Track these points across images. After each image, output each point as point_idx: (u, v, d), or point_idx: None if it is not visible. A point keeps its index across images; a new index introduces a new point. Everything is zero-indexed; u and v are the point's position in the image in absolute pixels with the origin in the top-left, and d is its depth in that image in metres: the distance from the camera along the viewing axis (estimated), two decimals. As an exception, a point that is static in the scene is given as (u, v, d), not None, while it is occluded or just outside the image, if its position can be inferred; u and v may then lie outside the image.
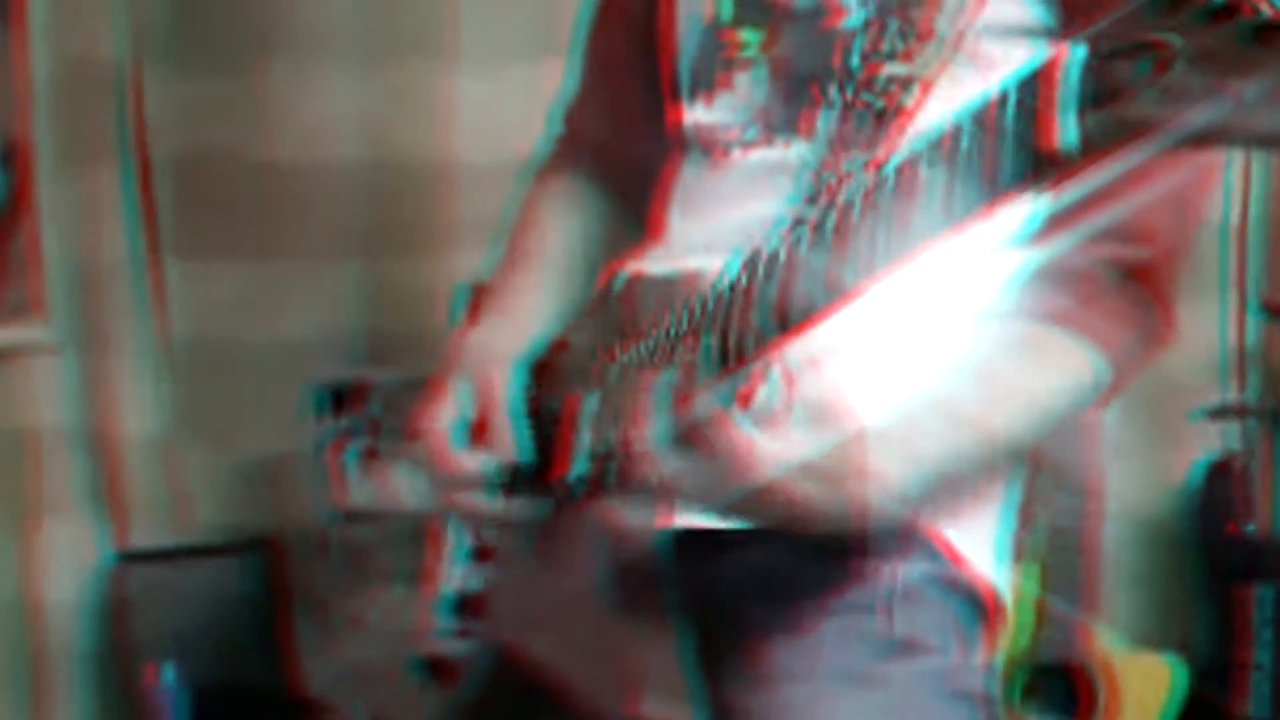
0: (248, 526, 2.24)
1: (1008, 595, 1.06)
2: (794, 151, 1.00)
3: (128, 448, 2.21)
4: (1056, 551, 2.21)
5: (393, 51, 2.21)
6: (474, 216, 2.02)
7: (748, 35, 1.04)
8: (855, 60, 0.97)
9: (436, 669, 1.16)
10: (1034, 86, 0.62)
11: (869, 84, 0.96)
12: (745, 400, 0.84)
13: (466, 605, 1.16)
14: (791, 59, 1.02)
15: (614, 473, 0.97)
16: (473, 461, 1.10)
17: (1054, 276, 0.92)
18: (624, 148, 1.22)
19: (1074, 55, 0.60)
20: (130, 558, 2.21)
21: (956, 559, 1.02)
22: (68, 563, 2.21)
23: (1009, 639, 2.19)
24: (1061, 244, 0.86)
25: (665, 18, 1.13)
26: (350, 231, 2.24)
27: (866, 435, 0.85)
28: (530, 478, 1.09)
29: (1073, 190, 0.64)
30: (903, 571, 1.01)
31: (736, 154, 1.05)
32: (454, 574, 1.16)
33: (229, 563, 2.20)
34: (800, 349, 0.82)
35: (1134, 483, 2.50)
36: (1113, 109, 0.57)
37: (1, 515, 2.18)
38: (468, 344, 1.17)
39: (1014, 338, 0.93)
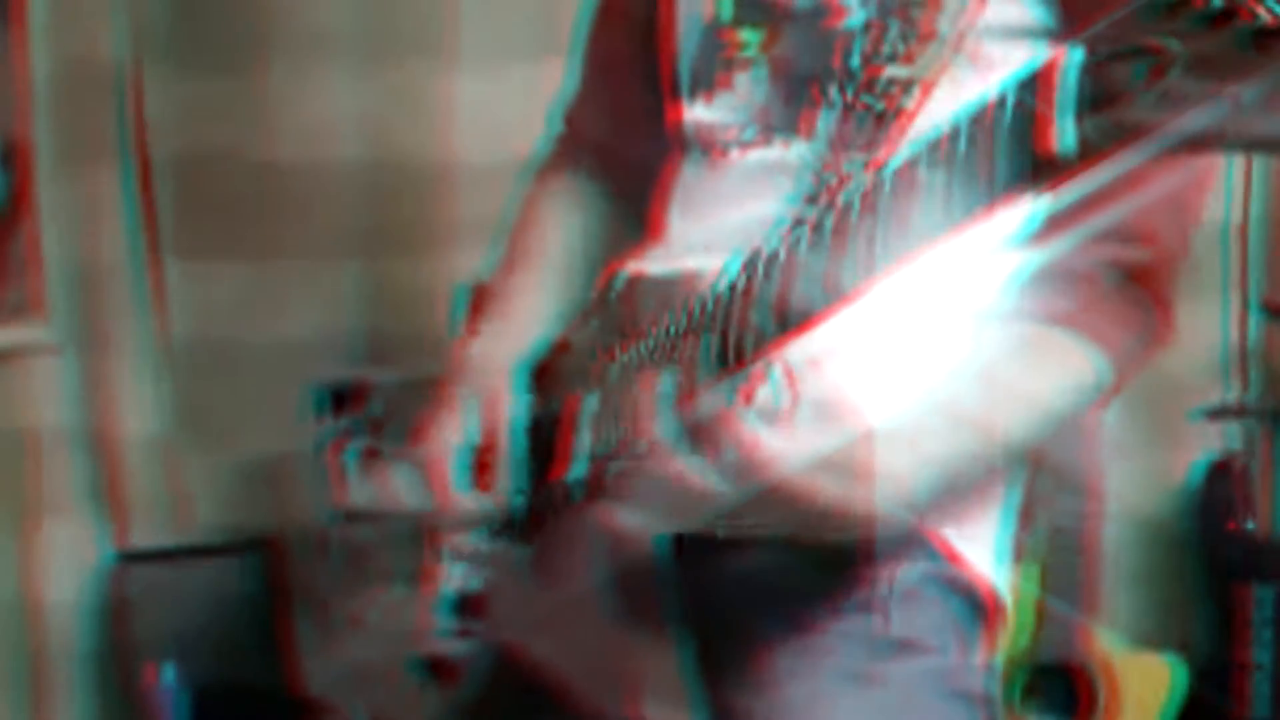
0: (248, 526, 2.24)
1: (1008, 595, 1.06)
2: (794, 152, 1.00)
3: (128, 448, 2.21)
4: (1057, 552, 2.21)
5: (393, 51, 2.21)
6: (474, 216, 2.02)
7: (748, 35, 1.04)
8: (856, 61, 0.97)
9: (436, 669, 1.16)
10: (1032, 89, 0.62)
11: (869, 85, 0.96)
12: (747, 400, 0.84)
13: (466, 605, 1.16)
14: (792, 59, 1.02)
15: (614, 474, 0.97)
16: (469, 500, 1.10)
17: (1054, 278, 0.92)
18: (624, 147, 1.22)
19: (1072, 58, 0.60)
20: (130, 558, 2.20)
21: (956, 559, 1.02)
22: (68, 563, 2.21)
23: (1009, 639, 2.19)
24: (1061, 245, 0.86)
25: (665, 17, 1.13)
26: (350, 231, 2.24)
27: (872, 435, 0.85)
28: (520, 518, 1.10)
29: (1072, 192, 0.64)
30: (902, 571, 1.01)
31: (736, 154, 1.05)
32: (454, 574, 1.16)
33: (229, 563, 2.20)
34: (800, 349, 0.82)
35: (1134, 483, 2.50)
36: (1110, 112, 0.57)
37: (1, 515, 2.18)
38: (472, 352, 1.17)
39: (1014, 339, 0.93)
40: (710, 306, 0.87)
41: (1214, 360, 2.59)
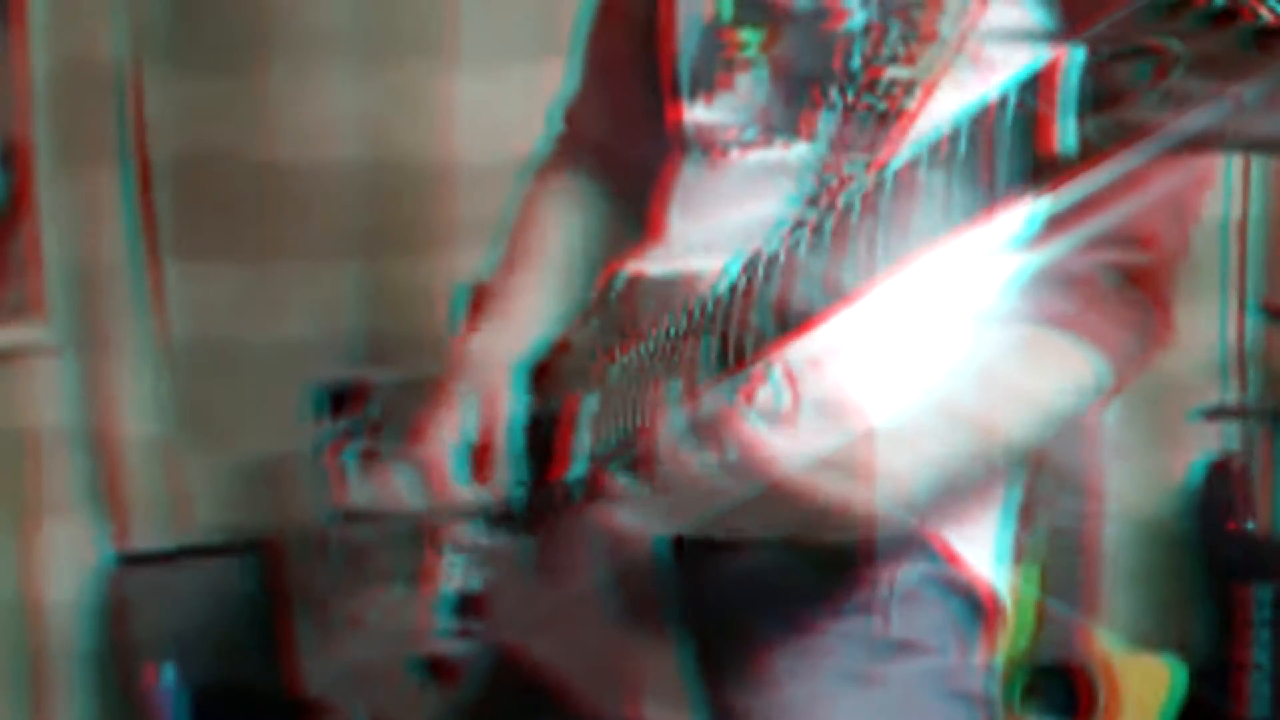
0: (247, 527, 2.24)
1: (1007, 596, 1.06)
2: (794, 153, 1.00)
3: (128, 448, 2.21)
4: (1056, 552, 2.21)
5: (393, 51, 2.21)
6: (474, 216, 2.02)
7: (748, 36, 1.04)
8: (856, 62, 0.97)
9: (436, 669, 1.16)
10: (1034, 89, 0.62)
11: (870, 86, 0.96)
12: (747, 400, 0.84)
13: (466, 606, 1.16)
14: (792, 60, 1.02)
15: (614, 475, 0.97)
16: (468, 494, 1.10)
17: (1053, 280, 0.92)
18: (624, 147, 1.22)
19: (1074, 58, 0.60)
20: (130, 558, 2.20)
21: (956, 560, 1.03)
22: (68, 563, 2.21)
23: (1009, 640, 2.19)
24: (1061, 247, 0.86)
25: (665, 18, 1.13)
26: (350, 231, 2.23)
27: (872, 436, 0.85)
28: (521, 510, 1.10)
29: (1072, 193, 0.64)
30: (902, 572, 1.01)
31: (736, 155, 1.05)
32: (454, 574, 1.16)
33: (229, 563, 2.20)
34: (801, 350, 0.82)
35: (1133, 483, 2.50)
36: (1112, 113, 0.57)
37: (1, 515, 2.18)
38: (471, 349, 1.17)
39: (1014, 341, 0.93)
40: (711, 307, 0.87)
41: (1213, 360, 2.59)
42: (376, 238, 2.24)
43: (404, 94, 2.21)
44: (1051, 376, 0.95)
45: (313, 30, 2.18)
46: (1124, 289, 0.96)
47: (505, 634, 1.15)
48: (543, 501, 1.08)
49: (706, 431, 0.85)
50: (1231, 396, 2.60)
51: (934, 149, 0.69)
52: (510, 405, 1.11)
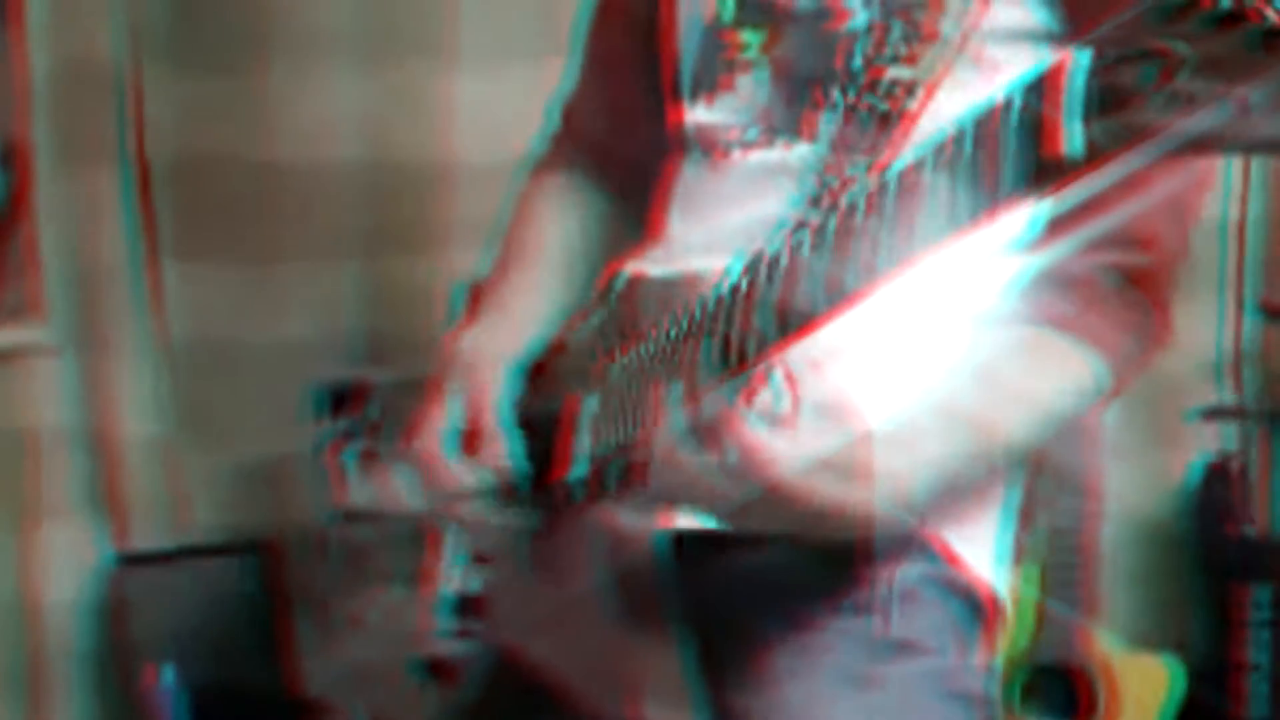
0: (247, 527, 2.24)
1: (1007, 597, 1.06)
2: (795, 153, 1.00)
3: (127, 448, 2.20)
4: (1056, 553, 2.21)
5: (393, 51, 2.20)
6: (474, 216, 2.02)
7: (749, 36, 1.04)
8: (858, 63, 0.97)
9: (436, 670, 1.16)
10: (1039, 92, 0.62)
11: (872, 87, 0.96)
12: (748, 402, 0.84)
13: (466, 606, 1.16)
14: (793, 61, 1.02)
15: (614, 475, 0.97)
16: (465, 473, 1.10)
17: (1053, 281, 0.92)
18: (621, 146, 1.22)
19: (1080, 61, 0.60)
20: (129, 558, 2.20)
21: (955, 560, 1.03)
22: (67, 563, 2.21)
23: (1008, 640, 2.19)
24: (1061, 249, 0.86)
25: (666, 18, 1.13)
26: (350, 231, 2.23)
27: (872, 437, 0.85)
28: (523, 485, 1.09)
29: (1073, 196, 0.64)
30: (902, 573, 1.01)
31: (737, 155, 1.05)
32: (454, 575, 1.16)
33: (228, 563, 2.20)
34: (802, 352, 0.82)
35: (1132, 483, 2.50)
36: (1118, 115, 0.57)
37: (1, 515, 2.18)
38: (462, 345, 1.17)
39: (1014, 342, 0.93)
40: (712, 308, 0.87)
41: (1211, 361, 2.59)
42: (376, 238, 2.24)
43: (404, 94, 2.21)
44: (1051, 378, 0.96)
45: (313, 30, 2.18)
46: (1124, 290, 0.96)
47: (505, 634, 1.15)
48: (543, 502, 1.08)
49: (707, 433, 0.85)
50: (1229, 397, 2.60)
51: (938, 151, 0.69)
52: (498, 389, 1.11)
